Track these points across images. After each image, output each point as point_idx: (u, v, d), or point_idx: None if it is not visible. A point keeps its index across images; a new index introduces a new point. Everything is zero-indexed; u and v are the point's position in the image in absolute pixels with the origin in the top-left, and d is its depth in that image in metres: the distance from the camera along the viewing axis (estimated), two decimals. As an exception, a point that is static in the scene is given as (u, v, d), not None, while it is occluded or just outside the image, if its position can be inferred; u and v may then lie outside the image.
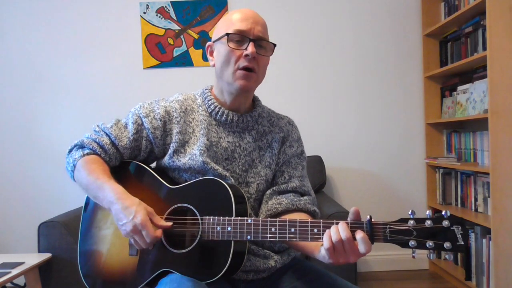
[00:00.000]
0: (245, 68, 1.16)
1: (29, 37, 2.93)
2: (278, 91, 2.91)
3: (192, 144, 1.19)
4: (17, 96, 2.94)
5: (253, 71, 1.17)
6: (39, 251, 2.05)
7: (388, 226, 0.93)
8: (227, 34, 1.16)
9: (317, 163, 2.78)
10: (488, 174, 2.23)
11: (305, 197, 1.23)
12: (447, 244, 0.89)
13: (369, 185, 2.97)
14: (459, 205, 2.69)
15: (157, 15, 2.92)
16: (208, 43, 1.27)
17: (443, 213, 0.91)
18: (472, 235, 2.45)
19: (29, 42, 2.93)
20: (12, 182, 2.94)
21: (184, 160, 1.18)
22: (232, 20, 1.18)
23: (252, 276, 1.18)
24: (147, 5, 2.91)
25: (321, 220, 0.97)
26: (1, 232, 2.94)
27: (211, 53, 1.26)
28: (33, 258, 2.02)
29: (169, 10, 2.92)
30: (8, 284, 2.20)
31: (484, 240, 2.31)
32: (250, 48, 1.14)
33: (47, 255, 2.01)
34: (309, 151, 2.68)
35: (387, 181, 2.98)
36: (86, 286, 1.20)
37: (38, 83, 2.94)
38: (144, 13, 2.92)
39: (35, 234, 2.09)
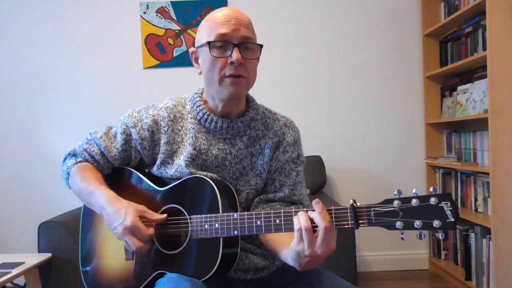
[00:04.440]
0: (232, 76, 1.09)
1: (28, 37, 2.93)
2: (278, 91, 2.91)
3: (179, 154, 1.17)
4: (17, 96, 2.95)
5: (242, 77, 1.10)
6: (39, 251, 2.06)
7: (372, 208, 0.89)
8: (208, 43, 1.09)
9: (317, 163, 2.78)
10: (488, 174, 2.23)
11: (292, 207, 1.19)
12: (436, 222, 0.84)
13: (369, 185, 2.97)
14: (459, 205, 2.69)
15: (157, 15, 2.92)
16: (192, 49, 1.20)
17: (430, 189, 0.87)
18: (472, 235, 2.45)
19: (29, 42, 2.93)
20: (12, 182, 2.94)
21: (171, 171, 1.17)
22: (213, 24, 1.11)
23: (251, 276, 1.17)
24: (147, 5, 2.91)
25: (305, 209, 0.96)
26: (1, 232, 2.94)
27: (196, 60, 1.20)
28: (33, 258, 2.02)
29: (169, 10, 2.92)
30: (8, 284, 2.20)
31: (484, 240, 2.31)
32: (235, 55, 1.07)
33: (47, 255, 2.02)
34: (309, 151, 2.70)
35: (387, 181, 2.98)
36: None
37: (38, 84, 2.94)
38: (144, 13, 2.92)
39: (35, 234, 2.09)
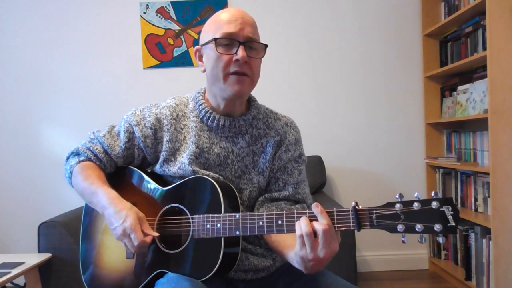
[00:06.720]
0: (236, 73, 1.11)
1: (28, 37, 2.93)
2: (278, 91, 2.91)
3: (182, 152, 1.18)
4: (17, 96, 2.94)
5: (246, 75, 1.12)
6: (39, 251, 2.06)
7: (374, 211, 0.90)
8: (215, 39, 1.11)
9: (317, 163, 2.78)
10: (488, 174, 2.23)
11: (297, 206, 1.21)
12: (437, 226, 0.85)
13: (369, 185, 2.97)
14: (459, 205, 2.69)
15: (157, 15, 2.92)
16: (196, 47, 1.21)
17: (432, 194, 0.88)
18: (472, 235, 2.45)
19: (28, 42, 2.93)
20: (12, 182, 2.94)
21: (174, 169, 1.17)
22: (219, 22, 1.13)
23: (251, 276, 1.18)
24: (147, 5, 2.91)
25: (307, 211, 0.96)
26: (1, 232, 2.94)
27: (200, 58, 1.20)
28: (33, 258, 2.02)
29: (169, 10, 2.92)
30: (8, 284, 2.20)
31: (484, 240, 2.31)
32: (241, 53, 1.09)
33: (47, 255, 2.02)
34: (309, 151, 2.69)
35: (387, 181, 2.98)
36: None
37: (38, 84, 2.94)
38: (144, 13, 2.92)
39: (35, 234, 2.09)
